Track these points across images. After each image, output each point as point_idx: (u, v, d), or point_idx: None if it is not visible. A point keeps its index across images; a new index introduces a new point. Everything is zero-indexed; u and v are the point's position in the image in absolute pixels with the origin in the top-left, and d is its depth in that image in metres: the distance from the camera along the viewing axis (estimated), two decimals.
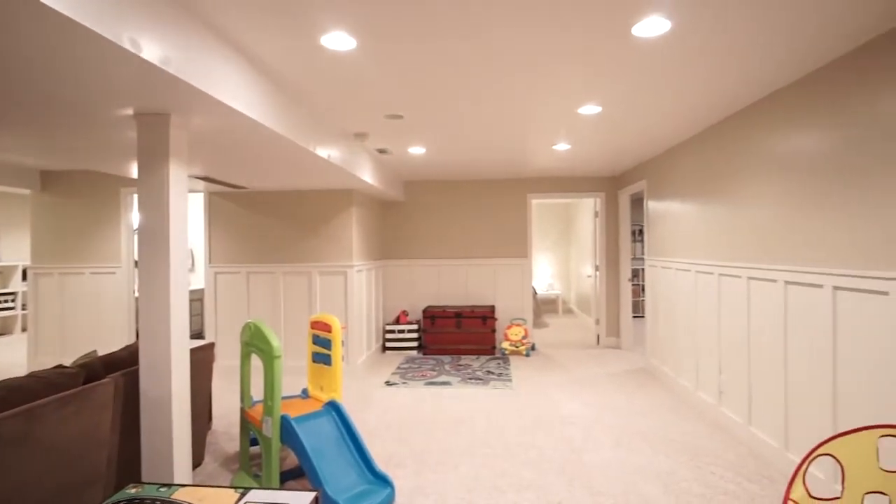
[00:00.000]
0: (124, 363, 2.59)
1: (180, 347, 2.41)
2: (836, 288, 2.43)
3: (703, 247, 3.90)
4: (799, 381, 2.73)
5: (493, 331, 6.06)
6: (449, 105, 3.20)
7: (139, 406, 2.41)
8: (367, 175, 4.65)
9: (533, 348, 6.31)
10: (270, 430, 2.55)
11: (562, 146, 4.50)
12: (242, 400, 2.88)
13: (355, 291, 5.18)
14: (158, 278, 2.34)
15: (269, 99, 2.66)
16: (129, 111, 2.35)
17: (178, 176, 2.41)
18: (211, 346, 3.16)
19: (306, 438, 2.53)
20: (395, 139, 4.16)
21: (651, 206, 5.14)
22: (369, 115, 3.44)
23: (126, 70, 1.80)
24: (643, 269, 9.20)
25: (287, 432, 2.55)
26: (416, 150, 4.60)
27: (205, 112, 2.34)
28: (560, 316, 9.45)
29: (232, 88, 2.26)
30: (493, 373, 5.17)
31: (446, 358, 5.91)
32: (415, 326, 6.20)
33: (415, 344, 6.21)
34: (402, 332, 6.20)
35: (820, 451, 1.64)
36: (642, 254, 9.32)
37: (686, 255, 4.23)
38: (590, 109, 3.32)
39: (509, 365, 5.52)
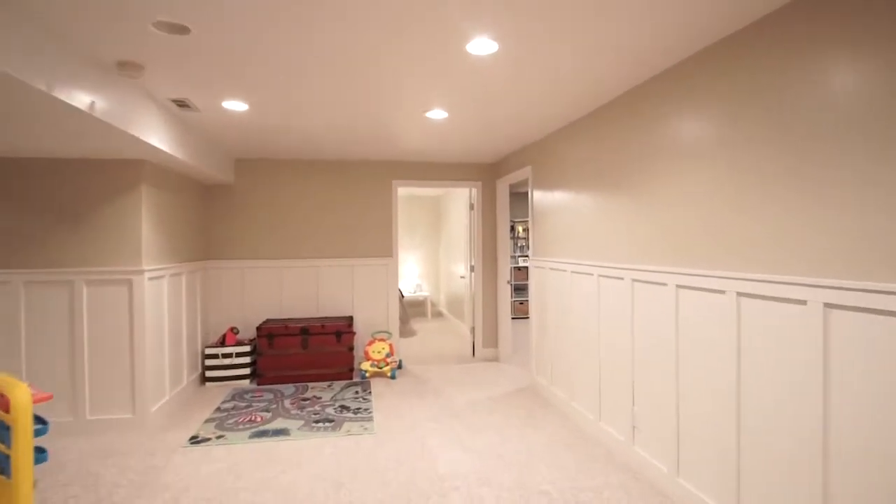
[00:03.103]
0: None
1: None
2: (827, 305, 1.71)
3: (612, 247, 3.15)
4: (756, 422, 2.01)
5: (351, 349, 4.85)
6: (271, 27, 1.94)
7: None
8: (159, 139, 3.14)
9: (400, 367, 5.24)
10: None
11: (437, 114, 3.46)
12: None
13: (148, 307, 3.60)
14: None
15: None
16: None
17: None
18: None
19: None
20: (195, 82, 2.74)
21: (537, 196, 4.37)
22: (131, 26, 2.02)
23: None
24: (514, 269, 8.69)
25: None
26: (235, 106, 3.21)
27: None
28: (429, 320, 8.54)
29: None
30: (348, 408, 3.97)
31: (288, 389, 4.55)
32: (247, 348, 4.73)
33: (247, 371, 4.74)
34: (228, 356, 4.69)
35: None
36: (515, 252, 8.82)
37: (585, 256, 3.48)
38: (481, 47, 2.31)
39: (370, 394, 4.37)
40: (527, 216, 8.92)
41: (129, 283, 3.53)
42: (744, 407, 2.09)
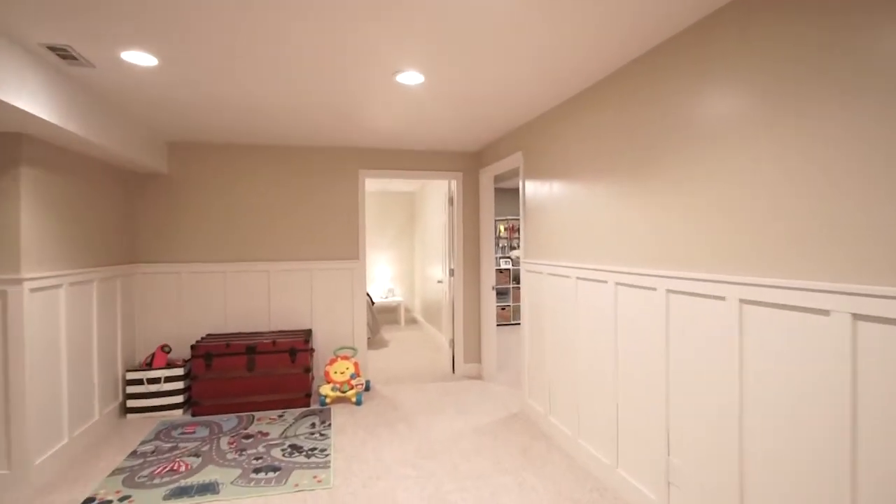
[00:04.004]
0: None
1: None
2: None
3: (635, 248, 2.46)
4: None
5: (308, 370, 4.05)
6: None
7: None
8: (37, 104, 2.30)
9: (367, 388, 4.47)
10: None
11: (411, 77, 2.71)
12: None
13: (30, 326, 2.74)
14: None
15: None
16: None
17: None
18: None
19: None
20: (76, 18, 1.93)
21: (531, 188, 3.67)
22: None
23: None
24: (496, 271, 8.01)
25: None
26: (139, 59, 2.40)
27: None
28: (402, 328, 7.78)
29: None
30: (300, 449, 3.18)
31: (230, 421, 3.73)
32: (180, 371, 3.89)
33: (179, 399, 3.89)
34: (155, 381, 3.84)
35: None
36: (497, 252, 8.13)
37: (596, 259, 2.79)
38: None
39: (330, 427, 3.59)
40: (508, 214, 8.25)
41: (4, 296, 2.66)
42: (861, 474, 1.42)
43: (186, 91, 2.88)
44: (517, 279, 8.00)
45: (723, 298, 1.92)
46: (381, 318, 8.46)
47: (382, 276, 8.32)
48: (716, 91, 1.94)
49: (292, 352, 3.99)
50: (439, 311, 6.46)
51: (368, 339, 6.60)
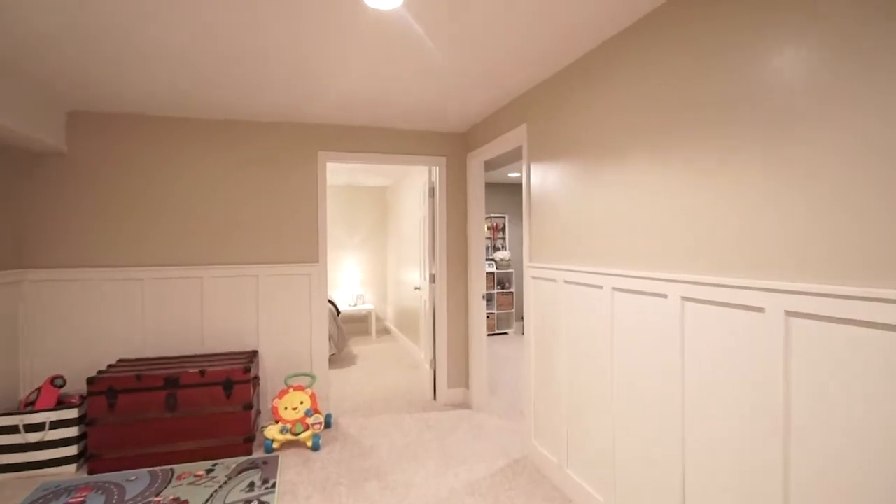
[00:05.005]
0: None
1: None
2: None
3: (719, 247, 1.66)
4: None
5: (249, 406, 3.13)
6: None
7: None
8: None
9: (327, 425, 3.57)
10: None
11: (385, 1, 1.85)
12: None
13: None
14: None
15: None
16: None
17: None
18: None
19: None
20: None
21: (538, 173, 2.84)
22: None
23: None
24: None
25: None
26: None
27: None
28: (373, 340, 6.86)
29: None
30: None
31: (137, 482, 2.77)
32: (74, 412, 2.91)
33: (72, 451, 2.91)
34: (37, 427, 2.85)
35: None
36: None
37: (643, 263, 1.98)
38: None
39: (274, 487, 2.67)
40: (491, 210, 7.43)
41: None
42: None
43: (79, 34, 1.94)
44: (502, 284, 7.19)
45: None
46: (349, 328, 7.53)
47: (351, 281, 7.39)
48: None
49: (228, 384, 3.06)
50: (416, 320, 5.59)
51: (333, 355, 5.68)
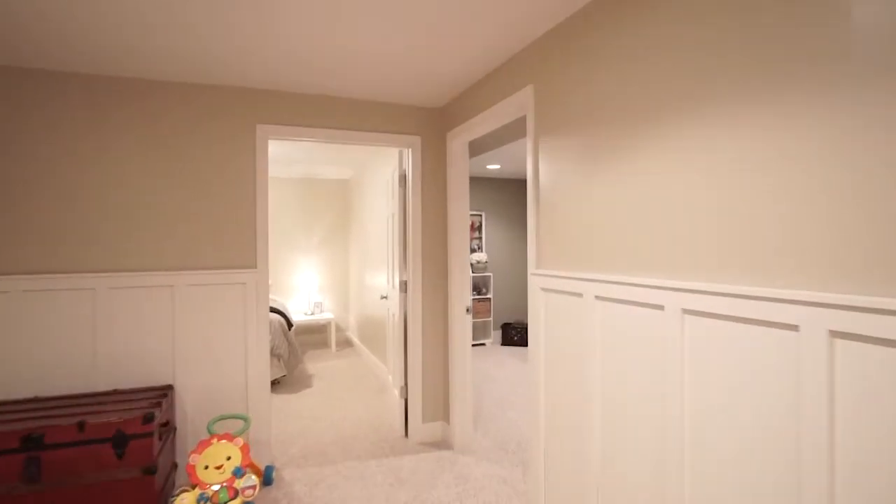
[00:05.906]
0: None
1: None
2: None
3: (843, 250, 0.95)
4: None
5: (152, 470, 2.25)
6: None
7: None
8: None
9: (267, 482, 2.73)
10: None
11: None
12: None
13: None
14: None
15: None
16: None
17: None
18: None
19: None
20: None
21: (549, 151, 2.11)
22: None
23: None
24: None
25: None
26: None
27: None
28: (333, 354, 6.00)
29: None
30: None
31: None
32: None
33: None
34: None
35: None
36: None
37: (693, 271, 1.27)
38: None
39: None
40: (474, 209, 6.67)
41: None
42: None
43: None
44: (479, 289, 6.45)
45: None
46: (305, 340, 6.64)
47: (308, 287, 6.50)
48: None
49: (120, 439, 2.18)
50: (382, 332, 4.78)
51: (282, 377, 4.81)
